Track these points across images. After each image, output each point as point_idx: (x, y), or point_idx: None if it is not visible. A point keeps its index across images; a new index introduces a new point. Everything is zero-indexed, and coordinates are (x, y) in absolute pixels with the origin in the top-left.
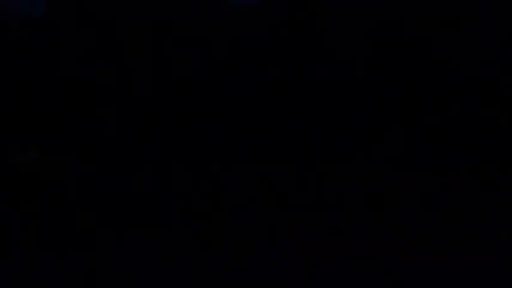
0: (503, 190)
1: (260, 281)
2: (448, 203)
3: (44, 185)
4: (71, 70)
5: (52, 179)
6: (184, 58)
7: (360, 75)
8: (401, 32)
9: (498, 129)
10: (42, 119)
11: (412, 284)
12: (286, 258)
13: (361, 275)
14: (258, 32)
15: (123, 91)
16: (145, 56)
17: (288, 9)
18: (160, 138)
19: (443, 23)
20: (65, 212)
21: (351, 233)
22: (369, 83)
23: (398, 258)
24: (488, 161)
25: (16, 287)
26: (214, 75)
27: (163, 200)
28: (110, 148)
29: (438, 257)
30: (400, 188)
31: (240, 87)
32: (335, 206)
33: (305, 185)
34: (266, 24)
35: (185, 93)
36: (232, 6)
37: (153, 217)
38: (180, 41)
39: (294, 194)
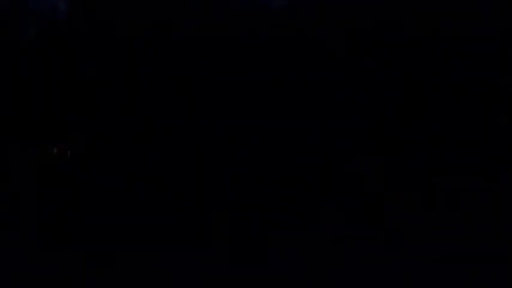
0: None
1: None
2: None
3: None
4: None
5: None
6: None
7: (360, 75)
8: (401, 32)
9: (498, 128)
10: (49, 119)
11: (413, 283)
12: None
13: (358, 274)
14: (258, 33)
15: (128, 91)
16: (148, 56)
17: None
18: (161, 137)
19: (443, 23)
20: (66, 211)
21: (349, 233)
22: (368, 82)
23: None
24: (488, 160)
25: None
26: (215, 75)
27: (162, 198)
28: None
29: (437, 258)
30: (400, 187)
31: (240, 87)
32: (334, 205)
33: (304, 184)
34: (267, 25)
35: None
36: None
37: (152, 216)
38: (181, 41)
39: (293, 192)
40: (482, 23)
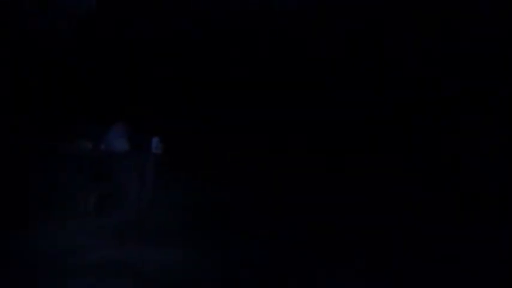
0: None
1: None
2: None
3: None
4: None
5: None
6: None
7: (360, 75)
8: (401, 32)
9: (497, 128)
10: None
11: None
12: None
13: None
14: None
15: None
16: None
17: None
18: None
19: (443, 23)
20: None
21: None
22: (368, 83)
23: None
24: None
25: None
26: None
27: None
28: None
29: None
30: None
31: (241, 86)
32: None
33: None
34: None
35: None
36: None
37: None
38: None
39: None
40: (482, 23)
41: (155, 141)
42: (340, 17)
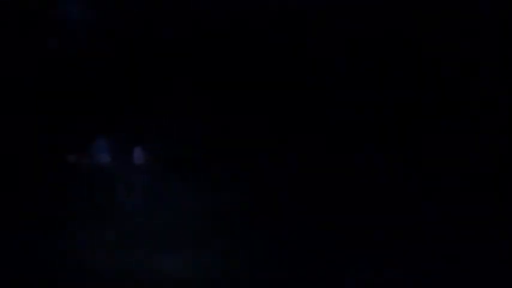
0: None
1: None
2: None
3: None
4: None
5: None
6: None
7: (359, 75)
8: (401, 32)
9: (497, 128)
10: None
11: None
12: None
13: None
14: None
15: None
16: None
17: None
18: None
19: (443, 23)
20: None
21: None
22: (368, 82)
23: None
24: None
25: None
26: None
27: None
28: None
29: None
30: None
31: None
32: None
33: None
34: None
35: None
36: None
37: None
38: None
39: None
40: (482, 23)
41: (139, 150)
42: (340, 17)
